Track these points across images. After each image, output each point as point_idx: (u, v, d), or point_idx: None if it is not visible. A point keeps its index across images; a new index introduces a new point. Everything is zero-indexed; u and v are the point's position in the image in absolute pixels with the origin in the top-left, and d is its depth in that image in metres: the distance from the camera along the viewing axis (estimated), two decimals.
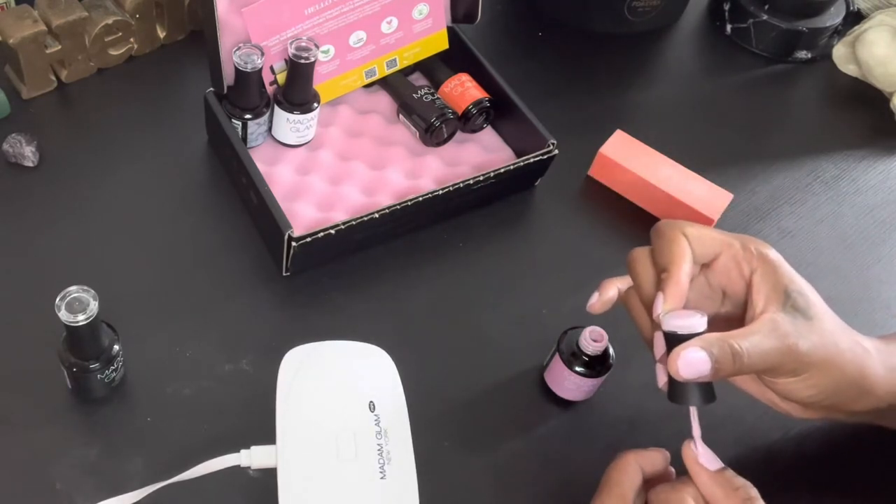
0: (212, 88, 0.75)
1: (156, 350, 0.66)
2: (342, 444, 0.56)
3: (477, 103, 0.80)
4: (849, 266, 0.81)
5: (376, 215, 0.70)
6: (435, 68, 0.84)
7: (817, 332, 0.52)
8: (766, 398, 0.57)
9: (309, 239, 0.68)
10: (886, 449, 0.66)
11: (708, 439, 0.52)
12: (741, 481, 0.50)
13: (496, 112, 0.82)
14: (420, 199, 0.72)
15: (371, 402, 0.58)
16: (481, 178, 0.74)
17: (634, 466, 0.53)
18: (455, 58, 0.84)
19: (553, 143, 0.77)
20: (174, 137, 0.80)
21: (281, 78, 0.76)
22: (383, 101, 0.84)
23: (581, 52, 0.96)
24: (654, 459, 0.54)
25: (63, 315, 0.55)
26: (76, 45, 0.80)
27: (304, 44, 0.72)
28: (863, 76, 0.97)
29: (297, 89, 0.75)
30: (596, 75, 0.94)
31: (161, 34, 0.86)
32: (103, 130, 0.80)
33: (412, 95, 0.80)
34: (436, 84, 0.83)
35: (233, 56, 0.71)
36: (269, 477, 0.55)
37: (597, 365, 0.64)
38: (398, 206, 0.71)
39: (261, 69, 0.72)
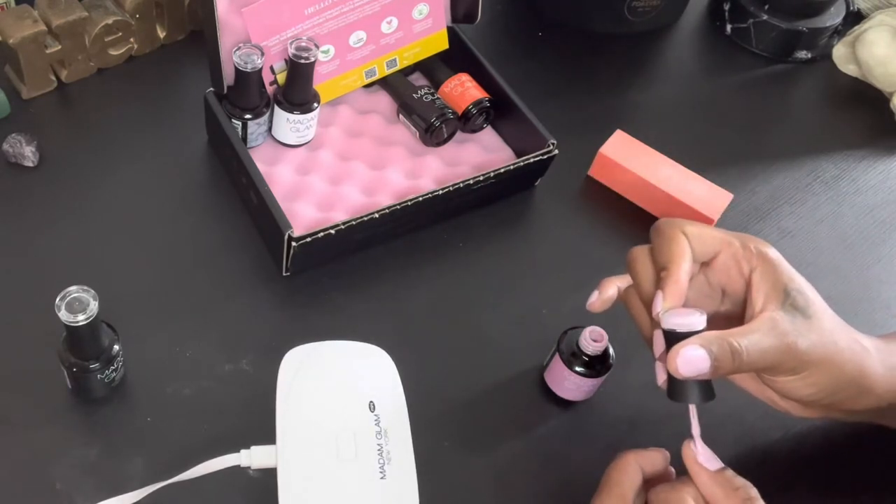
0: (212, 88, 0.75)
1: (156, 350, 0.66)
2: (342, 444, 0.56)
3: (477, 103, 0.80)
4: (849, 266, 0.81)
5: (376, 215, 0.70)
6: (435, 68, 0.84)
7: (816, 331, 0.52)
8: (766, 397, 0.57)
9: (309, 239, 0.68)
10: (886, 449, 0.66)
11: (708, 439, 0.52)
12: (741, 481, 0.50)
13: (496, 112, 0.82)
14: (420, 199, 0.72)
15: (371, 402, 0.58)
16: (481, 178, 0.74)
17: (634, 466, 0.53)
18: (455, 58, 0.84)
19: (553, 143, 0.77)
20: (174, 137, 0.80)
21: (281, 78, 0.76)
22: (383, 101, 0.84)
23: (581, 52, 0.96)
24: (654, 459, 0.54)
25: (63, 315, 0.55)
26: (76, 45, 0.80)
27: (304, 44, 0.72)
28: (863, 76, 0.97)
29: (297, 89, 0.75)
30: (596, 75, 0.94)
31: (161, 34, 0.86)
32: (103, 130, 0.80)
33: (412, 95, 0.80)
34: (436, 84, 0.83)
35: (233, 56, 0.71)
36: (269, 477, 0.55)
37: (597, 365, 0.64)
38: (398, 206, 0.71)
39: (261, 69, 0.72)
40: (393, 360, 0.61)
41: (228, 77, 0.73)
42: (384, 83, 0.84)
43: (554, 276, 0.75)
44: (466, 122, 0.81)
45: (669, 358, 0.50)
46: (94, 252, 0.71)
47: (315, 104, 0.76)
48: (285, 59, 0.75)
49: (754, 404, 0.59)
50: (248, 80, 0.72)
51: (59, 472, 0.60)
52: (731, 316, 0.56)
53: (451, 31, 0.84)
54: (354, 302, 0.71)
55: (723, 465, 0.51)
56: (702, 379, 0.51)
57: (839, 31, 0.99)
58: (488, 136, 0.83)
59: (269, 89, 0.76)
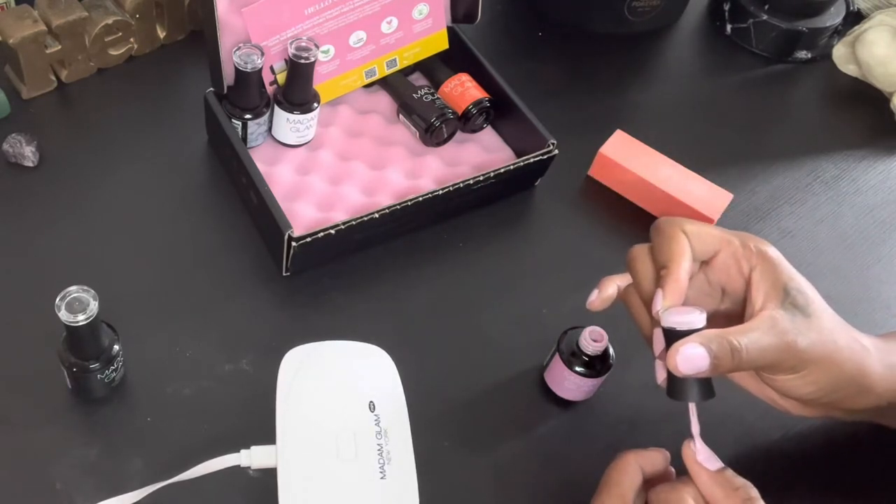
0: (212, 88, 0.75)
1: (156, 350, 0.66)
2: (342, 444, 0.56)
3: (477, 103, 0.80)
4: (849, 266, 0.81)
5: (376, 215, 0.70)
6: (435, 68, 0.84)
7: (816, 330, 0.52)
8: (766, 395, 0.57)
9: (309, 239, 0.68)
10: (886, 449, 0.66)
11: (708, 438, 0.52)
12: (741, 481, 0.50)
13: (496, 112, 0.82)
14: (420, 199, 0.72)
15: (371, 402, 0.58)
16: (481, 178, 0.74)
17: (634, 466, 0.53)
18: (455, 58, 0.84)
19: (553, 143, 0.77)
20: (174, 137, 0.80)
21: (281, 78, 0.76)
22: (383, 101, 0.84)
23: (581, 52, 0.96)
24: (654, 459, 0.54)
25: (63, 315, 0.55)
26: (76, 45, 0.80)
27: (304, 44, 0.72)
28: (863, 76, 0.97)
29: (297, 89, 0.75)
30: (596, 75, 0.94)
31: (161, 34, 0.86)
32: (103, 130, 0.80)
33: (412, 95, 0.80)
34: (436, 84, 0.83)
35: (233, 56, 0.71)
36: (269, 477, 0.55)
37: (597, 365, 0.64)
38: (398, 206, 0.71)
39: (261, 69, 0.72)
40: (393, 360, 0.61)
41: (228, 77, 0.73)
42: (384, 83, 0.84)
43: (554, 276, 0.75)
44: (466, 122, 0.81)
45: (669, 356, 0.50)
46: (94, 252, 0.71)
47: (315, 104, 0.76)
48: (285, 59, 0.75)
49: (754, 404, 0.59)
50: (248, 80, 0.72)
51: (59, 472, 0.60)
52: (731, 314, 0.56)
53: (451, 31, 0.84)
54: (354, 302, 0.71)
55: (723, 464, 0.51)
56: (701, 377, 0.51)
57: (839, 31, 0.99)
58: (488, 136, 0.83)
59: (269, 89, 0.76)
